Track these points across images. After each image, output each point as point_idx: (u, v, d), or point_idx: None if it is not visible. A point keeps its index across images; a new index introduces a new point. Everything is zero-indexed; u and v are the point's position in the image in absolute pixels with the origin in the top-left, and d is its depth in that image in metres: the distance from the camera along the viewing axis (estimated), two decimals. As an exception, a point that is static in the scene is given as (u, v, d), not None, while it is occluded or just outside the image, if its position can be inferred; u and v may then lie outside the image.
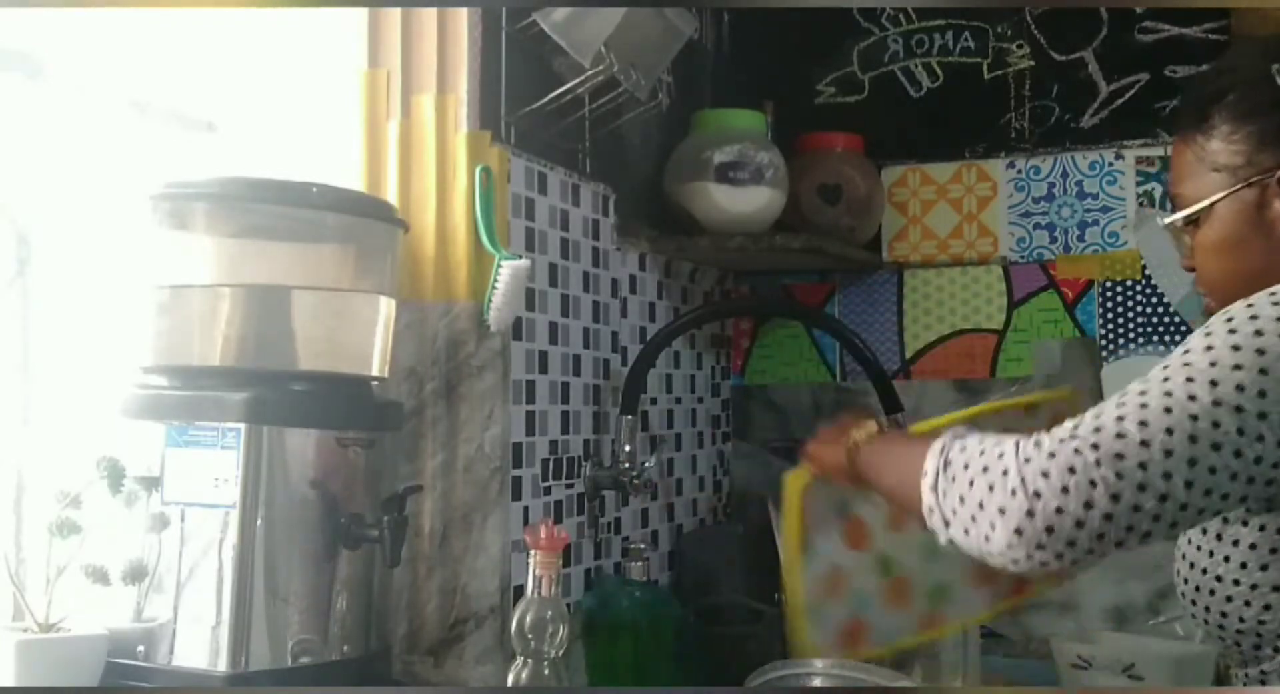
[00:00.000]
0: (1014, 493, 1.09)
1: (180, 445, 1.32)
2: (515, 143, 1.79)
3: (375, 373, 1.45)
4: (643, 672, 1.80)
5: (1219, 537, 1.24)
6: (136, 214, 1.39)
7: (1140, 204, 2.29)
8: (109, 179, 1.49)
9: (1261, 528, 1.20)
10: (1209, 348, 1.12)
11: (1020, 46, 2.37)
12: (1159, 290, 2.27)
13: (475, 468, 1.64)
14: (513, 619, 1.43)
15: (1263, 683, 1.24)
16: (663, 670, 1.82)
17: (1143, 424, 1.09)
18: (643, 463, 2.01)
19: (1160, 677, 1.87)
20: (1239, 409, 1.09)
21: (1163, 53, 2.27)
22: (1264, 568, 1.20)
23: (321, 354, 1.40)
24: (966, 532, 1.14)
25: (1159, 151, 2.28)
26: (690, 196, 2.14)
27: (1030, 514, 1.08)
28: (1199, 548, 1.27)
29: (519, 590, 1.67)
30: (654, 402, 2.21)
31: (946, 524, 1.16)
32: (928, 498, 1.17)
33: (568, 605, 1.73)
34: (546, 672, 1.42)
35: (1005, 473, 1.10)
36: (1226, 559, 1.23)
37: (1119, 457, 1.08)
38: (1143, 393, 1.12)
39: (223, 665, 1.28)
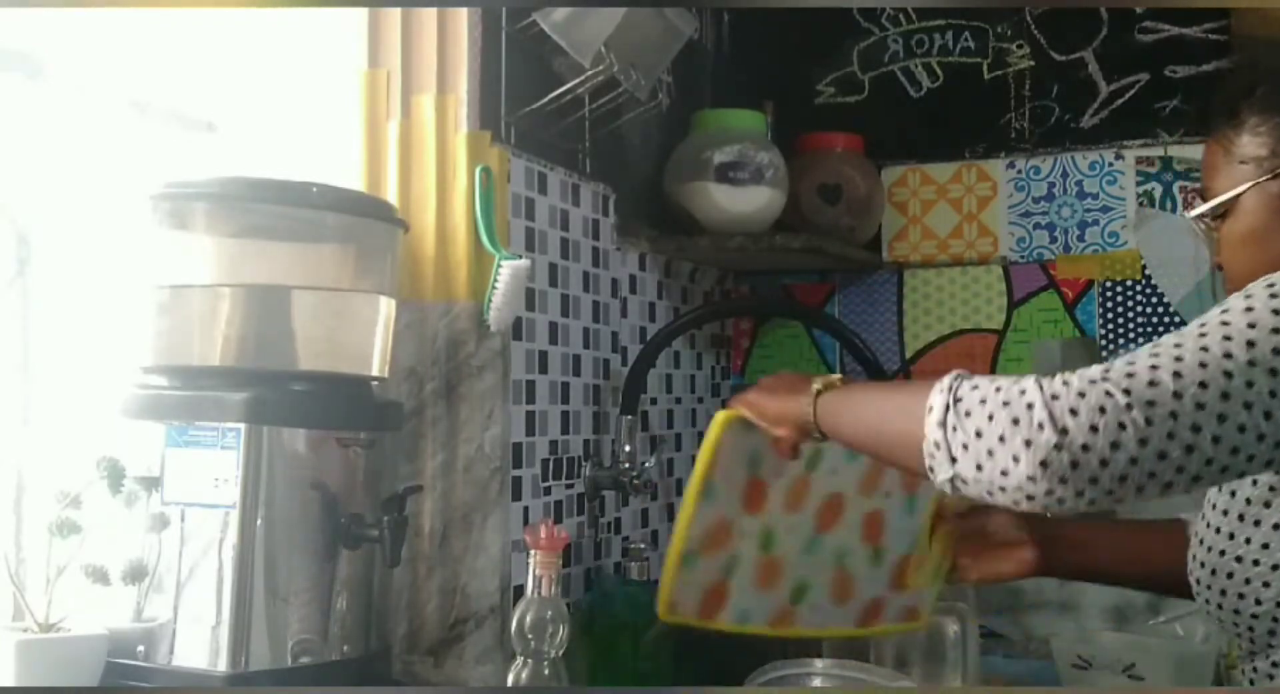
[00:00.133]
0: (1040, 427, 1.07)
1: (180, 445, 1.32)
2: (515, 143, 1.79)
3: (375, 373, 1.45)
4: (643, 672, 1.80)
5: (1240, 517, 1.24)
6: (136, 214, 1.39)
7: (1140, 204, 2.30)
8: (109, 179, 1.49)
9: None
10: (1249, 309, 1.11)
11: (1020, 46, 2.37)
12: (1159, 290, 2.27)
13: (475, 468, 1.64)
14: (513, 619, 1.43)
15: (1271, 677, 1.24)
16: (663, 670, 1.82)
17: (1177, 375, 1.08)
18: (643, 463, 2.01)
19: (1160, 677, 1.87)
20: (1274, 371, 1.08)
21: (1163, 53, 2.27)
22: None
23: (321, 354, 1.40)
24: (979, 467, 1.11)
25: (1159, 151, 2.28)
26: (690, 196, 2.14)
27: (1058, 448, 1.07)
28: (1218, 530, 1.27)
29: (519, 590, 1.67)
30: (654, 402, 2.21)
31: (954, 460, 1.13)
32: (934, 433, 1.14)
33: (568, 605, 1.73)
34: (546, 672, 1.42)
35: (1030, 407, 1.09)
36: (1248, 541, 1.23)
37: (1150, 403, 1.07)
38: (1178, 345, 1.10)
39: (223, 665, 1.28)
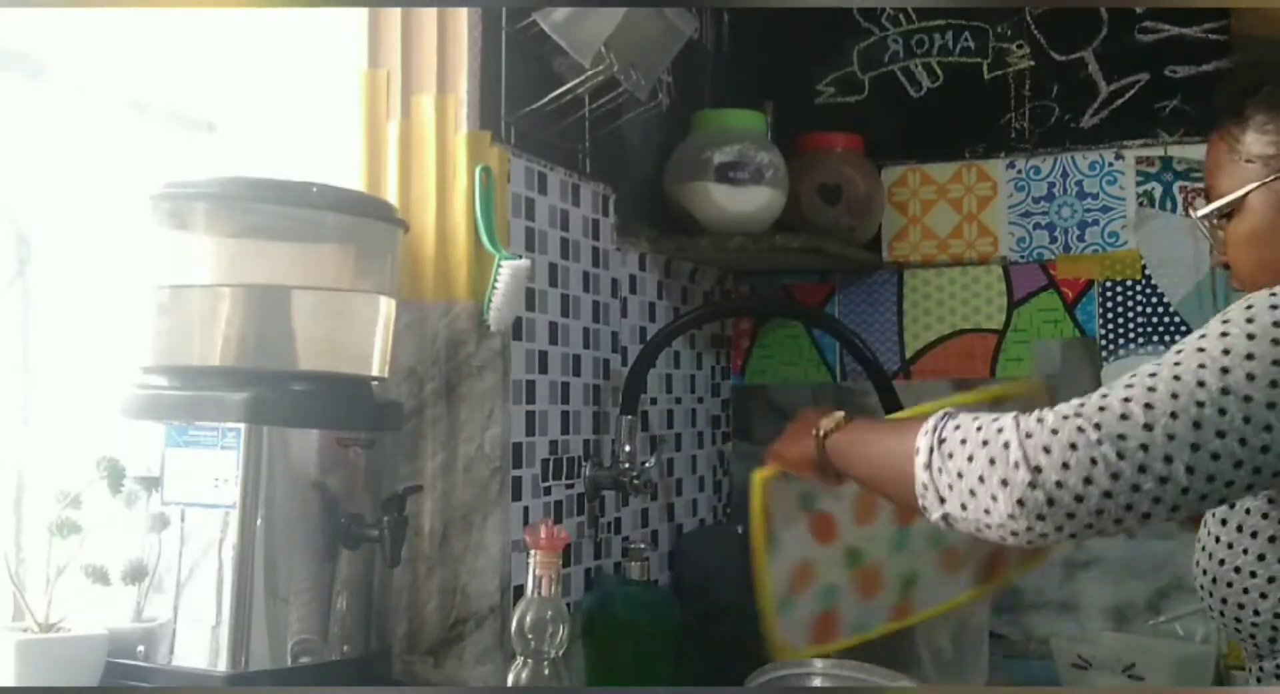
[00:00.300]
0: (1016, 466, 1.10)
1: (180, 445, 1.32)
2: (515, 143, 1.79)
3: (375, 373, 1.45)
4: (643, 672, 1.80)
5: (1239, 528, 1.25)
6: (136, 214, 1.39)
7: (1140, 204, 2.29)
8: (109, 179, 1.49)
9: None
10: (1224, 335, 1.12)
11: (1020, 46, 2.37)
12: (1159, 290, 2.27)
13: (475, 468, 1.64)
14: (513, 619, 1.43)
15: (1277, 678, 1.24)
16: (663, 670, 1.82)
17: (1148, 406, 1.10)
18: (643, 463, 2.01)
19: (1160, 677, 1.87)
20: (1248, 398, 1.09)
21: (1163, 53, 2.27)
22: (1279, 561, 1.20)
23: (321, 354, 1.40)
24: (964, 506, 1.15)
25: (1159, 151, 2.28)
26: (690, 196, 2.14)
27: (1033, 486, 1.10)
28: (1218, 539, 1.27)
29: (519, 590, 1.67)
30: (654, 402, 2.21)
31: (942, 500, 1.17)
32: (921, 476, 1.18)
33: (568, 605, 1.73)
34: (546, 672, 1.42)
35: (1006, 446, 1.12)
36: (1245, 551, 1.23)
37: (1121, 437, 1.09)
38: (1152, 375, 1.12)
39: (223, 665, 1.28)
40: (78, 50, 1.45)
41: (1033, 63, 2.36)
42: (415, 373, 1.61)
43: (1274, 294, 1.14)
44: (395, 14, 1.63)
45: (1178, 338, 2.21)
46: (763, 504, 1.60)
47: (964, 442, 1.16)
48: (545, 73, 1.85)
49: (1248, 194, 1.27)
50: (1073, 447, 1.09)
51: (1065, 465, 1.09)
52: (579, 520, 1.94)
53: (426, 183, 1.64)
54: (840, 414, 1.37)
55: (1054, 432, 1.11)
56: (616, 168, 2.09)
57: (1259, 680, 1.28)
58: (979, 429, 1.16)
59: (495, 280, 1.64)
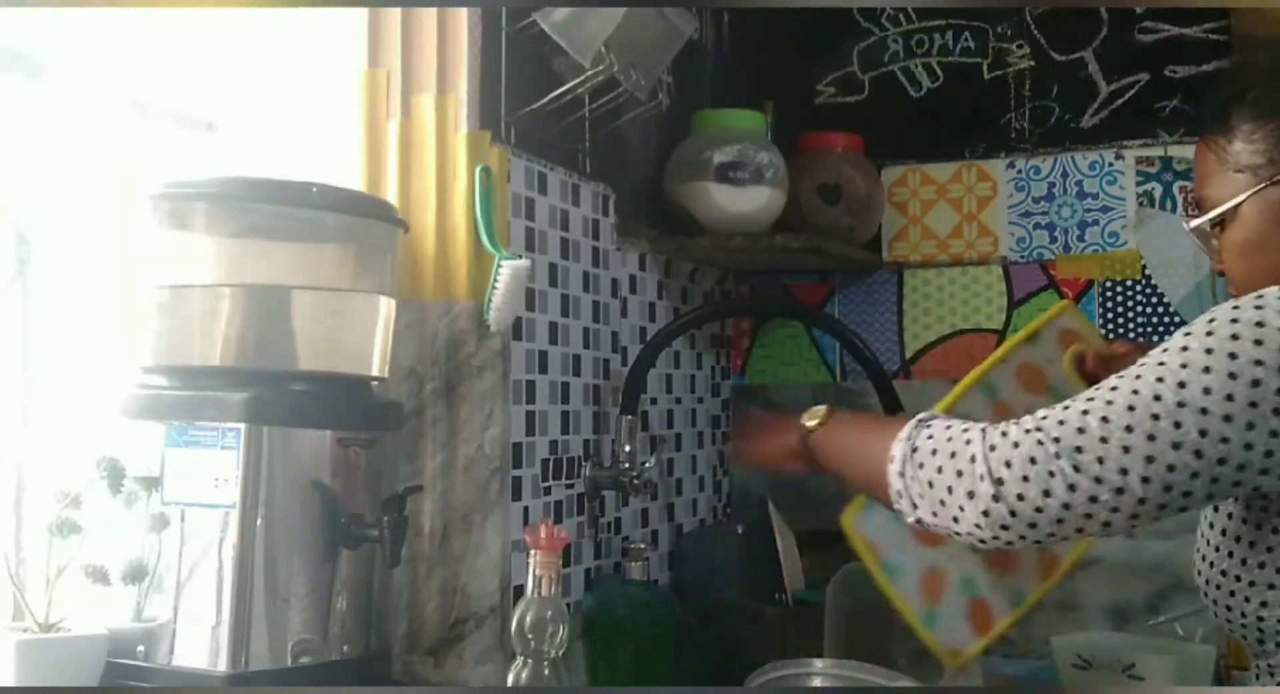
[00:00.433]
0: (981, 478, 1.16)
1: (180, 445, 1.32)
2: (515, 143, 1.79)
3: (375, 373, 1.45)
4: (643, 672, 1.81)
5: (1223, 532, 1.25)
6: (136, 214, 1.39)
7: (1140, 204, 2.29)
8: (109, 179, 1.49)
9: (1259, 526, 1.21)
10: (1184, 348, 1.14)
11: (1020, 46, 2.37)
12: (1159, 290, 2.27)
13: (475, 468, 1.64)
14: (513, 619, 1.43)
15: (1271, 674, 1.25)
16: (663, 670, 1.82)
17: (1104, 420, 1.14)
18: (643, 463, 2.01)
19: (1160, 677, 1.87)
20: (1204, 411, 1.11)
21: (1163, 53, 2.27)
22: (1261, 566, 1.21)
23: (321, 354, 1.40)
24: (935, 513, 1.21)
25: (1159, 151, 2.28)
26: (690, 196, 2.14)
27: (996, 498, 1.16)
28: (1209, 542, 1.28)
29: (519, 590, 1.67)
30: (654, 402, 2.20)
31: (914, 506, 1.23)
32: (895, 483, 1.24)
33: (568, 605, 1.73)
34: (546, 672, 1.42)
35: (972, 459, 1.18)
36: (1230, 554, 1.24)
37: (1078, 450, 1.14)
38: (1114, 388, 1.16)
39: (223, 665, 1.28)
40: (78, 50, 1.45)
41: (1033, 63, 2.36)
42: (415, 373, 1.61)
43: (1236, 307, 1.15)
44: (395, 14, 1.63)
45: (1178, 338, 2.23)
46: (861, 541, 1.64)
47: (934, 452, 1.21)
48: (545, 73, 1.85)
49: (1240, 204, 1.26)
50: (1032, 460, 1.15)
51: (1025, 478, 1.15)
52: (579, 520, 1.94)
53: (426, 183, 1.64)
54: (823, 408, 1.42)
55: (1015, 445, 1.16)
56: (616, 168, 2.09)
57: (1256, 678, 1.28)
58: (949, 439, 1.21)
59: (495, 280, 1.64)
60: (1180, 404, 1.12)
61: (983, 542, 1.18)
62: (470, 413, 1.64)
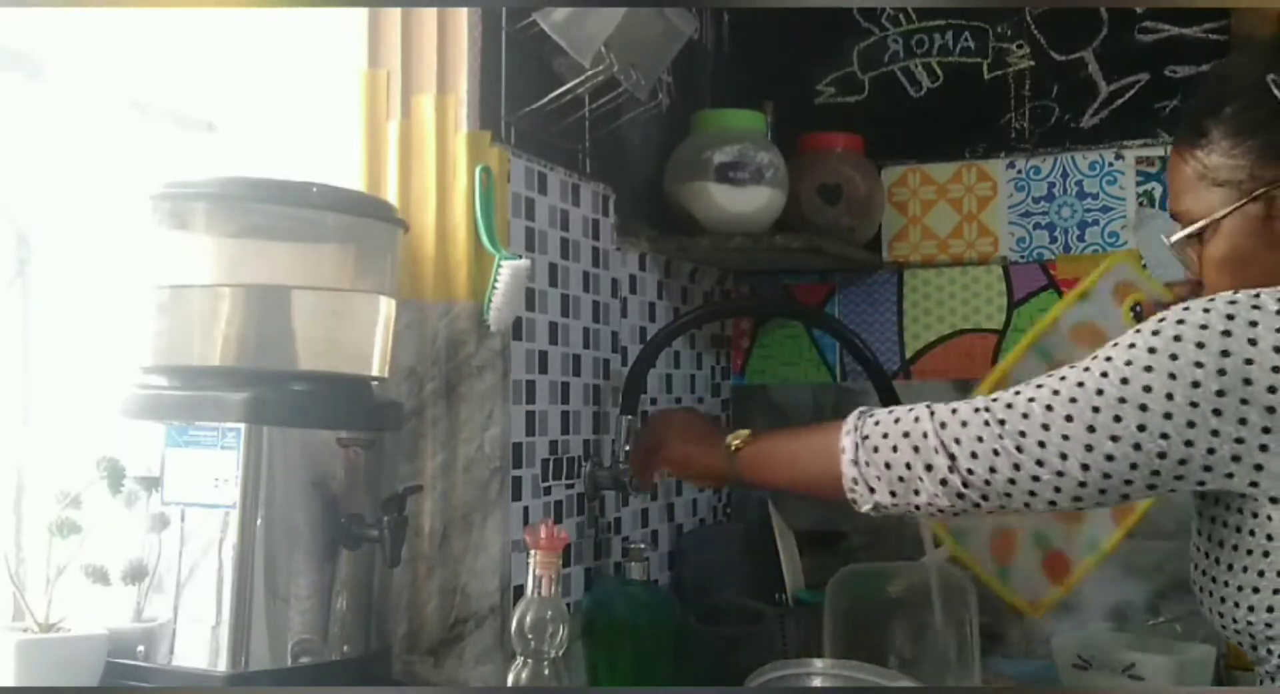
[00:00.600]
0: (935, 451, 1.24)
1: (180, 445, 1.32)
2: (515, 143, 1.79)
3: (375, 373, 1.45)
4: (643, 672, 1.81)
5: (1209, 537, 1.25)
6: (136, 214, 1.39)
7: (1140, 204, 2.29)
8: (109, 179, 1.49)
9: (1238, 529, 1.20)
10: (1131, 346, 1.19)
11: (1020, 46, 2.37)
12: (1159, 290, 2.27)
13: (475, 468, 1.64)
14: (513, 619, 1.43)
15: (1272, 678, 1.25)
16: (663, 670, 1.82)
17: (1048, 408, 1.20)
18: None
19: (1160, 677, 1.87)
20: (1143, 408, 1.16)
21: (1163, 53, 2.27)
22: (1244, 569, 1.21)
23: (321, 354, 1.40)
24: (893, 492, 1.28)
25: (1159, 151, 2.28)
26: (690, 196, 2.14)
27: (951, 470, 1.24)
28: (1198, 548, 1.28)
29: (519, 590, 1.67)
30: (654, 402, 2.20)
31: (872, 490, 1.29)
32: (849, 471, 1.30)
33: (568, 605, 1.73)
34: (546, 672, 1.42)
35: (925, 435, 1.25)
36: (1216, 560, 1.24)
37: (1022, 433, 1.21)
38: (1062, 378, 1.22)
39: (223, 665, 1.28)
40: (78, 50, 1.45)
41: (1033, 63, 2.36)
42: (415, 373, 1.61)
43: (1186, 309, 1.18)
44: (395, 14, 1.63)
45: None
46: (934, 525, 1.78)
47: (885, 435, 1.28)
48: (545, 73, 1.85)
49: (1221, 219, 1.26)
50: (979, 439, 1.22)
51: (974, 455, 1.22)
52: (579, 520, 1.94)
53: (426, 183, 1.64)
54: (746, 432, 1.48)
55: (964, 424, 1.24)
56: (616, 168, 2.09)
57: (1261, 682, 1.28)
58: (897, 421, 1.28)
59: (495, 280, 1.64)
60: (1121, 399, 1.17)
61: (941, 511, 1.26)
62: (470, 413, 1.64)
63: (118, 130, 1.51)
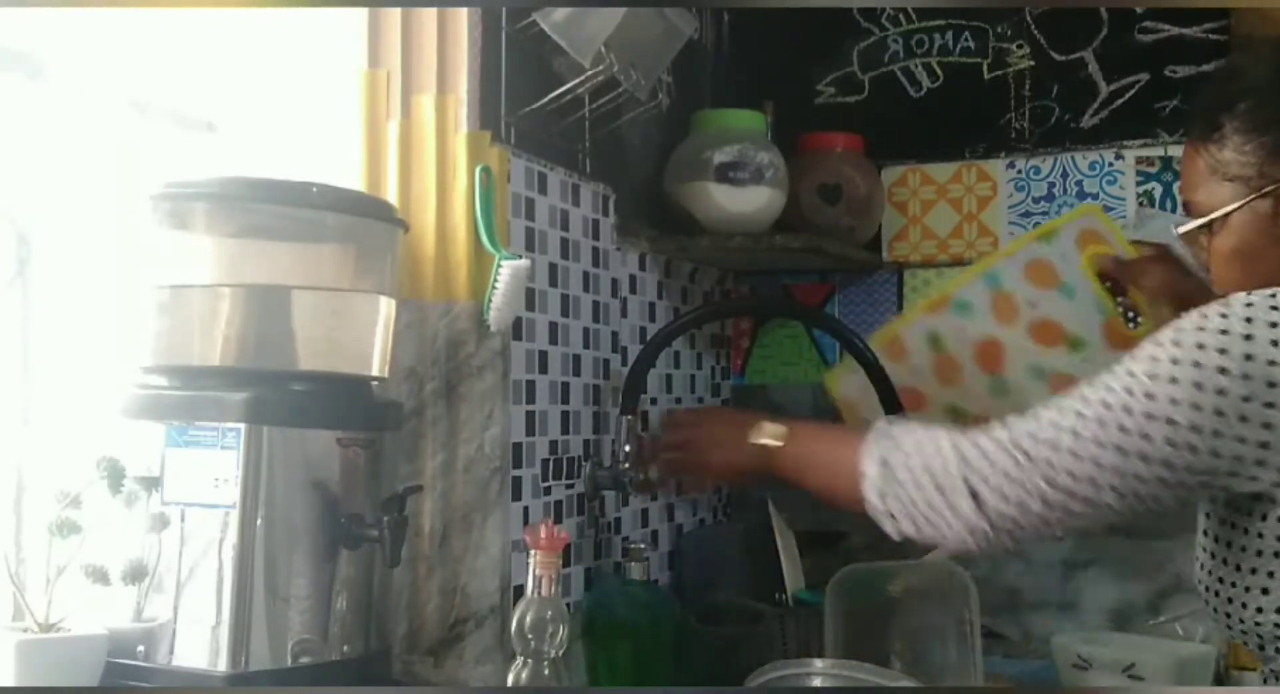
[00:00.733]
0: (961, 493, 1.20)
1: (180, 445, 1.32)
2: (515, 143, 1.79)
3: (375, 373, 1.45)
4: (643, 672, 1.80)
5: (1216, 538, 1.25)
6: (136, 214, 1.39)
7: (1140, 204, 2.29)
8: (109, 179, 1.49)
9: (1245, 530, 1.20)
10: (1153, 358, 1.16)
11: (1020, 46, 2.37)
12: (1159, 290, 2.27)
13: (475, 468, 1.64)
14: (513, 619, 1.43)
15: (1278, 677, 1.25)
16: (663, 670, 1.82)
17: (1075, 434, 1.18)
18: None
19: (1160, 677, 1.87)
20: (1170, 421, 1.14)
21: (1163, 53, 2.27)
22: (1253, 571, 1.21)
23: (321, 354, 1.40)
24: (917, 526, 1.25)
25: (1159, 151, 2.28)
26: (690, 196, 2.14)
27: (978, 512, 1.20)
28: (1204, 548, 1.28)
29: (519, 590, 1.67)
30: (654, 402, 2.20)
31: (894, 519, 1.26)
32: (873, 500, 1.27)
33: (568, 605, 1.73)
34: (546, 672, 1.42)
35: (949, 473, 1.22)
36: (1224, 561, 1.24)
37: (1050, 464, 1.18)
38: (1084, 399, 1.19)
39: (223, 665, 1.28)
40: (78, 50, 1.45)
41: (1033, 63, 2.36)
42: (415, 373, 1.61)
43: (1203, 316, 1.16)
44: (395, 14, 1.63)
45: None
46: (844, 401, 1.88)
47: (909, 468, 1.24)
48: (545, 73, 1.85)
49: (1230, 213, 1.27)
50: (1007, 476, 1.19)
51: (1003, 495, 1.19)
52: (579, 520, 1.94)
53: (426, 183, 1.64)
54: (779, 428, 1.43)
55: (989, 460, 1.20)
56: (616, 168, 2.09)
57: (1265, 682, 1.28)
58: (920, 451, 1.24)
59: (495, 280, 1.64)
60: (1149, 416, 1.15)
61: (969, 548, 1.23)
62: (470, 413, 1.64)
63: (118, 130, 1.51)
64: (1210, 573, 1.26)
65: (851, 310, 2.46)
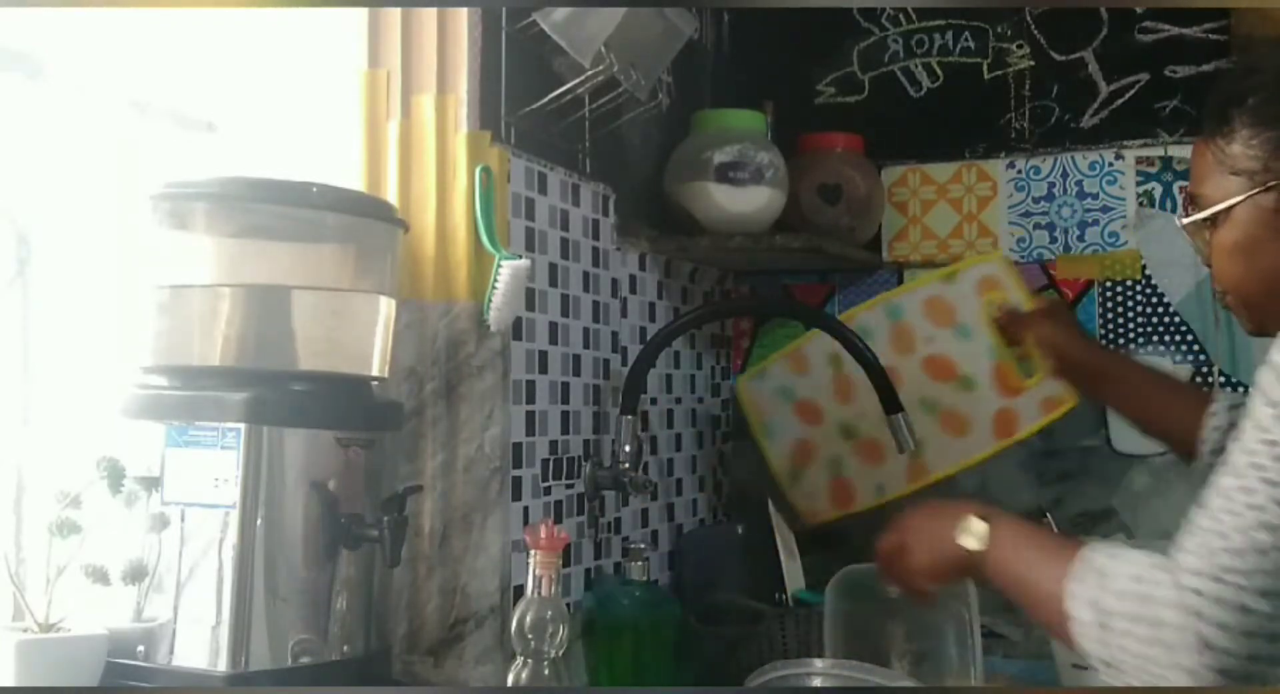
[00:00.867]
0: (1190, 650, 1.08)
1: (180, 445, 1.32)
2: (515, 143, 1.79)
3: (375, 373, 1.45)
4: (643, 672, 1.81)
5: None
6: (136, 214, 1.39)
7: (1140, 204, 2.29)
8: (109, 179, 1.49)
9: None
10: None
11: (1020, 46, 2.37)
12: (1159, 290, 2.27)
13: (475, 468, 1.64)
14: (513, 619, 1.43)
15: None
16: (663, 670, 1.82)
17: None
18: (643, 463, 2.01)
19: (1160, 677, 1.87)
20: None
21: (1163, 53, 2.27)
22: None
23: (321, 354, 1.40)
24: (1138, 678, 1.12)
25: (1159, 151, 2.28)
26: (690, 196, 2.14)
27: (1218, 670, 1.07)
28: None
29: (519, 590, 1.67)
30: (654, 402, 2.21)
31: (1110, 667, 1.14)
32: (1089, 648, 1.15)
33: (568, 605, 1.73)
34: (546, 672, 1.42)
35: (1179, 628, 1.09)
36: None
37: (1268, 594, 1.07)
38: (1260, 507, 1.08)
39: (223, 665, 1.28)
40: (78, 50, 1.45)
41: (1033, 63, 2.36)
42: (415, 373, 1.61)
43: None
44: (395, 14, 1.63)
45: (1178, 338, 2.23)
46: (751, 403, 2.03)
47: (1126, 616, 1.12)
48: (545, 73, 1.85)
49: (1234, 206, 1.27)
50: (1242, 609, 1.07)
51: (1236, 646, 1.07)
52: (579, 520, 1.94)
53: (426, 183, 1.64)
54: (983, 527, 1.30)
55: (1224, 605, 1.08)
56: (616, 168, 2.09)
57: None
58: (1136, 594, 1.12)
59: (495, 280, 1.64)
60: None
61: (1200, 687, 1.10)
62: (470, 413, 1.64)
63: (118, 130, 1.51)
64: None
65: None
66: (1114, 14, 2.30)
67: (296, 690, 1.32)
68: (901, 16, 2.45)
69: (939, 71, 2.42)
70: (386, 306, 1.47)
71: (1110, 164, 2.31)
